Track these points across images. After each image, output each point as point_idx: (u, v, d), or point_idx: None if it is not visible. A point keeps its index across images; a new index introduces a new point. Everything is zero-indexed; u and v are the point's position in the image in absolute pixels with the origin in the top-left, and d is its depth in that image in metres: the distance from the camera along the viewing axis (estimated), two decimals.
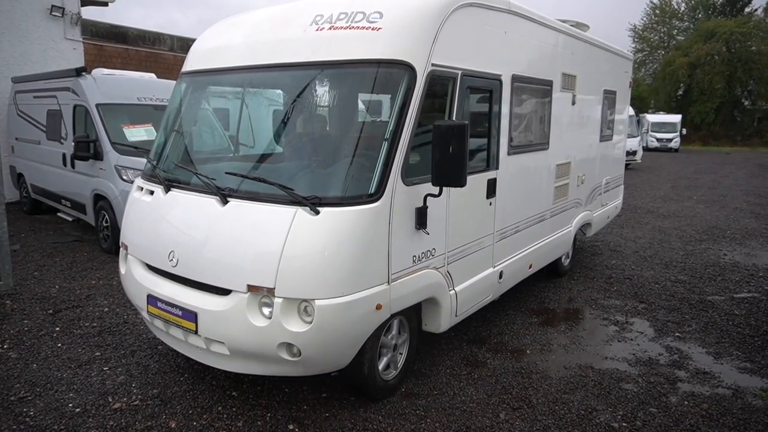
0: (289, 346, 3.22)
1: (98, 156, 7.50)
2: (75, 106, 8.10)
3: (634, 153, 20.08)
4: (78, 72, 8.07)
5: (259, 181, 3.46)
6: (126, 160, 7.29)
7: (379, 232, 3.30)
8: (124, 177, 7.19)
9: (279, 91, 4.58)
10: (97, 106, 7.69)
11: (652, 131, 30.76)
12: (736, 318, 5.60)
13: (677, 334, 5.20)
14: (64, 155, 8.38)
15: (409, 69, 3.43)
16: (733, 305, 5.98)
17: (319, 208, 3.19)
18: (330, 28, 3.59)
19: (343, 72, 3.69)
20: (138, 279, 3.90)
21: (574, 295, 6.25)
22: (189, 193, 3.81)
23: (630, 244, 8.75)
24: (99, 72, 8.71)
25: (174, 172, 4.10)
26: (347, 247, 3.19)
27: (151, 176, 4.22)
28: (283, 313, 3.15)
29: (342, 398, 3.87)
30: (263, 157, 4.01)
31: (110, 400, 3.82)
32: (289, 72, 3.82)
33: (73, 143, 7.65)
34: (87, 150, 7.45)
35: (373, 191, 3.28)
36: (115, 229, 7.17)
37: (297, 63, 3.67)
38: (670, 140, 30.70)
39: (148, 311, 3.80)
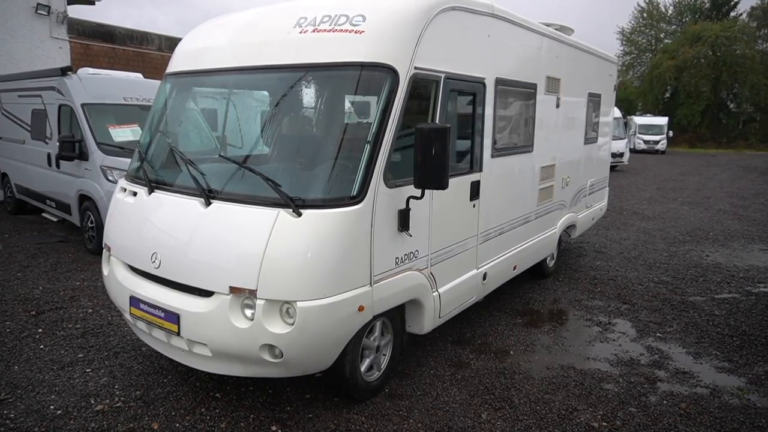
0: (271, 348, 3.23)
1: (83, 156, 7.46)
2: (60, 106, 8.04)
3: (621, 155, 20.25)
4: (63, 71, 8.01)
5: (247, 170, 3.52)
6: (111, 161, 7.27)
7: (361, 234, 3.33)
8: (110, 177, 7.16)
9: (264, 93, 4.58)
10: (83, 105, 7.64)
11: (639, 133, 31.07)
12: (716, 318, 5.69)
13: (658, 334, 5.27)
14: (48, 155, 8.32)
15: (391, 72, 3.45)
16: (714, 306, 6.07)
17: (302, 210, 3.20)
18: (313, 31, 3.60)
19: (326, 74, 3.70)
20: (120, 280, 3.89)
21: (559, 296, 6.31)
22: (172, 194, 3.81)
23: (615, 246, 8.84)
24: (84, 71, 8.64)
25: (157, 173, 4.10)
26: (329, 248, 3.20)
27: (134, 177, 4.21)
28: (265, 314, 3.17)
29: (326, 399, 3.88)
30: (246, 159, 4.02)
31: (92, 401, 3.80)
32: (272, 74, 3.84)
33: (58, 143, 7.60)
34: (72, 150, 7.43)
35: (355, 193, 3.30)
36: (101, 230, 7.10)
37: (281, 65, 3.69)
38: (656, 142, 31.02)
39: (130, 313, 3.79)
